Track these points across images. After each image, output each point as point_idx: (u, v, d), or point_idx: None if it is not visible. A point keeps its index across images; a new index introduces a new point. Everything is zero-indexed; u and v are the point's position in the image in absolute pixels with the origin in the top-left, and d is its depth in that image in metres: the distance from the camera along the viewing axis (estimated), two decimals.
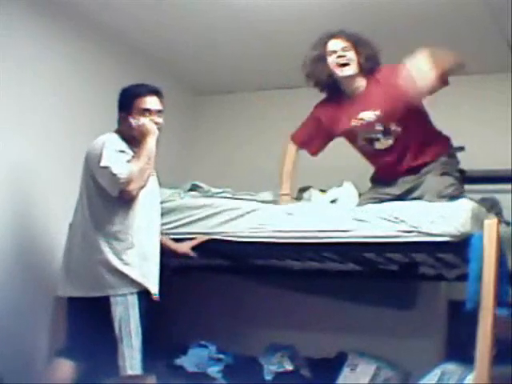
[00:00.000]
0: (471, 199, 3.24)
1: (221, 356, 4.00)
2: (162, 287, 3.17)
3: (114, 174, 3.03)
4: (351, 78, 3.51)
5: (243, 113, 4.96)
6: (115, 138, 3.19)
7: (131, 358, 3.01)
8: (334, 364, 3.87)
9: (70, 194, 3.31)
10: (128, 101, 3.23)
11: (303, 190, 3.88)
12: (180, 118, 4.83)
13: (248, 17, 3.96)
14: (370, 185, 3.73)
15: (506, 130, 4.05)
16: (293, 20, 3.94)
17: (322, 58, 3.51)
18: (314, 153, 3.73)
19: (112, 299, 3.04)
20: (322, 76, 3.54)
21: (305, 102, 3.73)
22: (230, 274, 4.19)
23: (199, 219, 3.56)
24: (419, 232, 3.11)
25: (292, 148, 3.74)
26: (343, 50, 3.48)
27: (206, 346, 4.04)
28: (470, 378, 3.09)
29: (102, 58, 4.24)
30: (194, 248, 3.51)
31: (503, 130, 4.08)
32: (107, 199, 3.11)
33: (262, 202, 3.62)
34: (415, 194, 3.45)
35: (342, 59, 3.47)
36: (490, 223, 3.05)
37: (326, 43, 3.50)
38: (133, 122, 3.19)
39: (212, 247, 3.53)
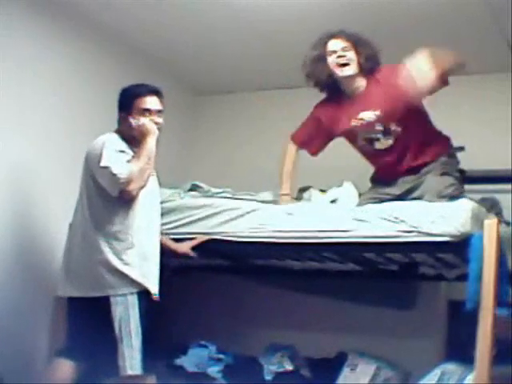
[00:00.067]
0: (471, 199, 3.24)
1: (221, 356, 4.00)
2: (161, 287, 3.17)
3: (114, 174, 3.03)
4: (351, 78, 3.51)
5: (243, 113, 4.96)
6: (115, 138, 3.19)
7: (131, 358, 3.01)
8: (334, 364, 3.87)
9: (70, 194, 3.31)
10: (128, 101, 3.23)
11: (303, 189, 3.88)
12: (180, 118, 4.83)
13: (248, 17, 3.96)
14: (370, 185, 3.73)
15: (506, 130, 4.05)
16: (293, 20, 3.94)
17: (322, 58, 3.51)
18: (314, 153, 3.73)
19: (112, 299, 3.04)
20: (322, 76, 3.54)
21: (305, 102, 3.72)
22: (230, 273, 4.18)
23: (199, 219, 3.56)
24: (419, 232, 3.11)
25: (292, 148, 3.74)
26: (343, 50, 3.48)
27: (206, 346, 4.04)
28: (469, 378, 3.09)
29: (102, 58, 4.24)
30: (194, 248, 3.51)
31: (503, 130, 4.08)
32: (107, 199, 3.10)
33: (262, 201, 3.61)
34: (415, 194, 3.45)
35: (342, 59, 3.47)
36: (490, 223, 3.05)
37: (325, 43, 3.50)
38: (133, 121, 3.19)
39: (212, 247, 3.53)
